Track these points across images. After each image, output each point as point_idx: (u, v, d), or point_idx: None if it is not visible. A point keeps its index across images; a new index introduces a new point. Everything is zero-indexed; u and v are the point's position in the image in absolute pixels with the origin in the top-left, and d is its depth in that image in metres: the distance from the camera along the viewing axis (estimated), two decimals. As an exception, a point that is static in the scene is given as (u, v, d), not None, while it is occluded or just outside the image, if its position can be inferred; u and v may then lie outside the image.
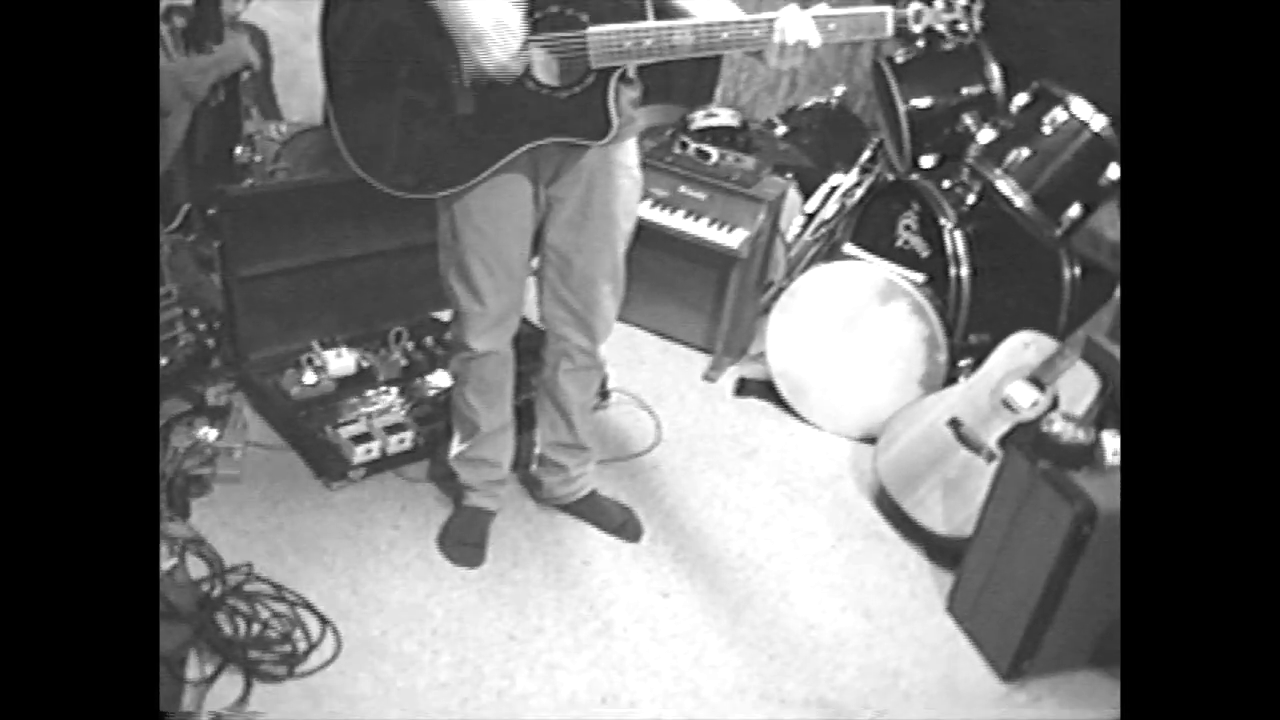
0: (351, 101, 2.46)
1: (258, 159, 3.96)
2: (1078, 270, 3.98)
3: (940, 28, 2.37)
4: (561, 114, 2.41)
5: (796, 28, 2.29)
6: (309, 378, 3.43)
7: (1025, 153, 3.71)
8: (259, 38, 4.25)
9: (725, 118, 4.43)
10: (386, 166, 2.51)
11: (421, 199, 2.58)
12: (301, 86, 4.22)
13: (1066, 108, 3.68)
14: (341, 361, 3.50)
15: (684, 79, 4.94)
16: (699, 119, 4.42)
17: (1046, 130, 3.70)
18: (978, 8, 2.38)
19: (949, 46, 4.05)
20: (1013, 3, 4.27)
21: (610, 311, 2.85)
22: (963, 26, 2.38)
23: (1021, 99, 3.84)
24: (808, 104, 5.01)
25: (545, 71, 2.37)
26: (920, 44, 2.40)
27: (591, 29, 2.31)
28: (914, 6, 2.36)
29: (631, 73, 2.48)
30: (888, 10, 2.34)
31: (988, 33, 2.44)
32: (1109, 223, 4.47)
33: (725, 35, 2.32)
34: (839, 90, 5.10)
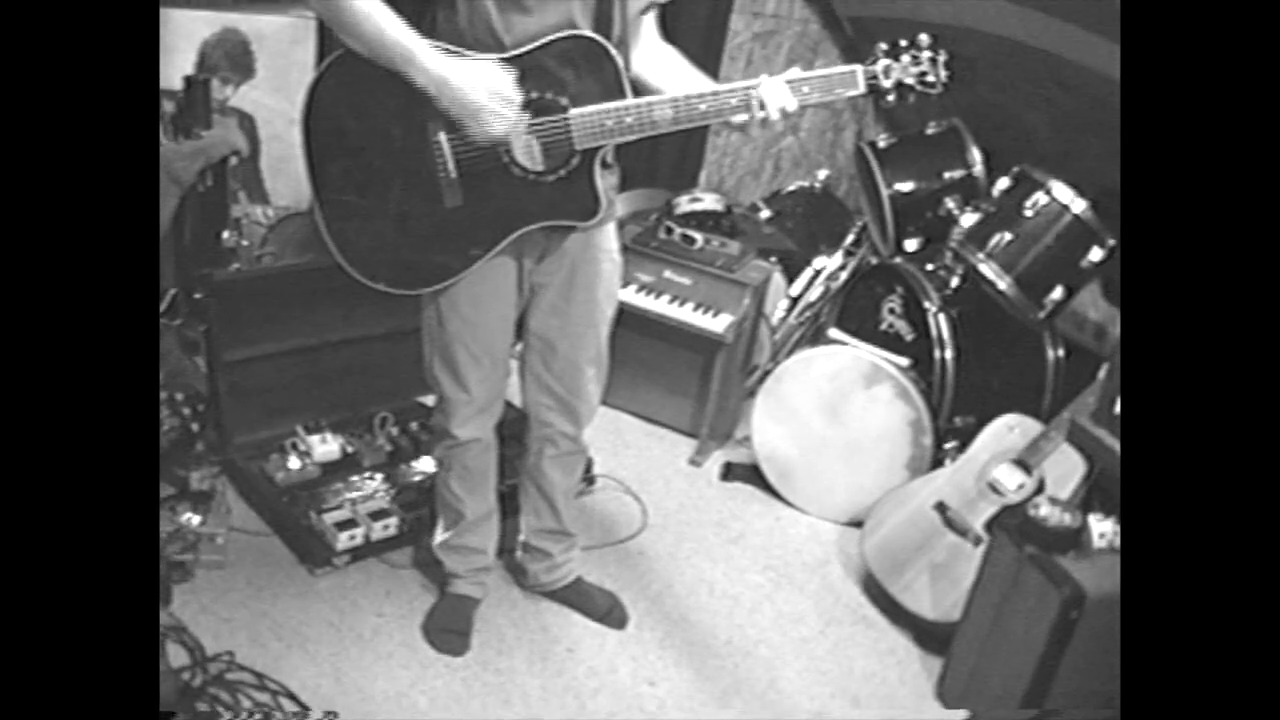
0: (337, 197, 2.47)
1: (244, 243, 3.98)
2: (1061, 351, 4.01)
3: (910, 81, 2.41)
4: (549, 198, 2.44)
5: (773, 95, 2.34)
6: (293, 463, 3.43)
7: (1007, 236, 3.75)
8: (247, 123, 4.29)
9: (710, 202, 4.47)
10: (375, 263, 2.52)
11: (410, 294, 2.60)
12: (289, 171, 4.26)
13: (1048, 192, 3.72)
14: (326, 447, 3.50)
15: (668, 164, 4.99)
16: (684, 204, 4.45)
17: (1028, 214, 3.74)
18: (943, 58, 2.43)
19: (931, 131, 4.20)
20: (993, 89, 4.35)
21: (594, 396, 2.86)
22: (930, 78, 2.42)
23: (1003, 183, 3.88)
24: (791, 188, 5.05)
25: (529, 157, 2.40)
26: (891, 99, 2.42)
27: (573, 111, 2.35)
28: (883, 63, 2.40)
29: (610, 158, 2.51)
30: (857, 68, 2.39)
31: (954, 89, 2.49)
32: (1091, 304, 4.52)
33: (703, 106, 2.37)
34: (823, 174, 5.15)
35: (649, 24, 2.60)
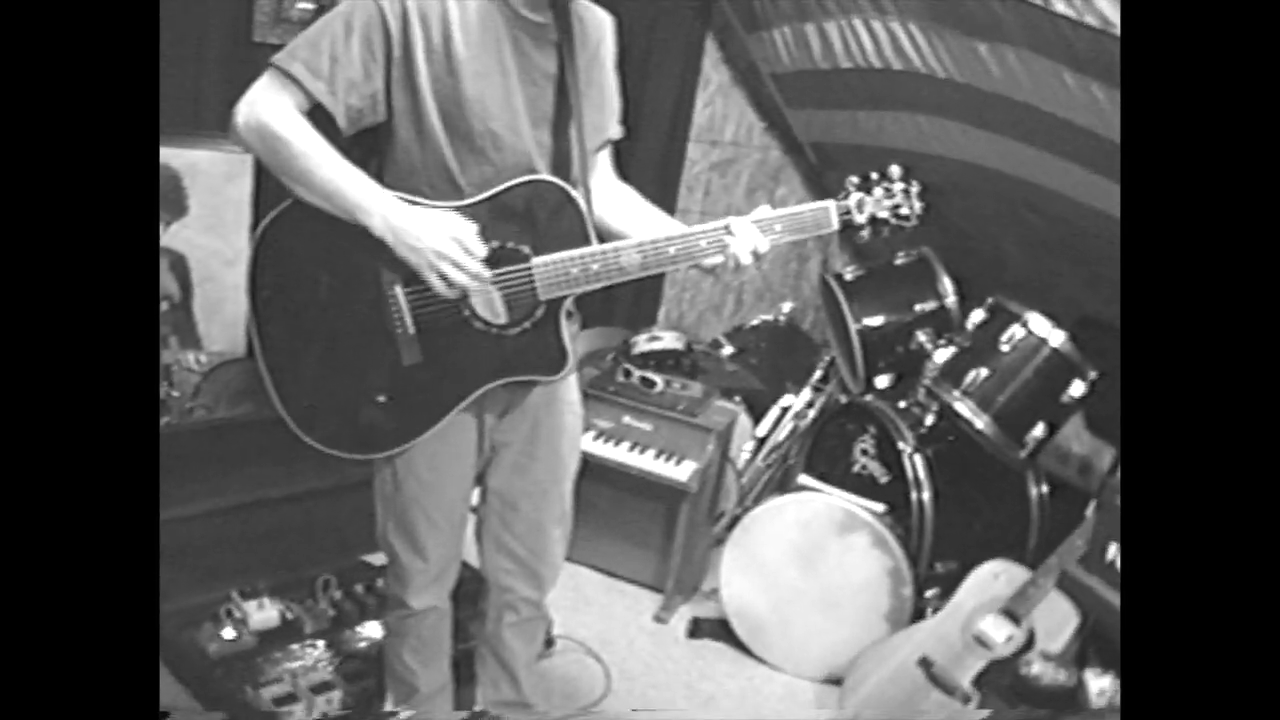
0: (285, 356, 2.46)
1: (175, 394, 3.94)
2: (1045, 489, 4.03)
3: (884, 214, 2.47)
4: (513, 352, 2.44)
5: (745, 236, 2.37)
6: (228, 632, 3.35)
7: (984, 372, 3.78)
8: (179, 264, 4.28)
9: (669, 340, 4.50)
10: (327, 426, 2.50)
11: (367, 459, 2.58)
12: (224, 315, 4.24)
13: (1024, 325, 3.77)
14: (264, 613, 3.43)
15: (625, 300, 5.03)
16: (641, 343, 4.48)
17: (1005, 348, 3.78)
18: (915, 189, 2.49)
19: (900, 261, 4.26)
20: (963, 216, 4.43)
21: (559, 557, 2.85)
22: (904, 210, 2.48)
23: (977, 315, 3.93)
24: (754, 322, 5.12)
25: (491, 309, 2.40)
26: (865, 234, 2.47)
27: (536, 260, 2.36)
28: (855, 197, 2.45)
29: (571, 306, 2.52)
30: (830, 204, 2.44)
31: (930, 225, 2.55)
32: (1075, 437, 4.56)
33: (673, 250, 2.38)
34: (787, 307, 5.22)
35: (604, 162, 2.65)
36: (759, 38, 4.78)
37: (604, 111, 2.58)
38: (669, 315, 5.39)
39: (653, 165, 4.89)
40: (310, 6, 3.92)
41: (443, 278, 2.31)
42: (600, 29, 2.56)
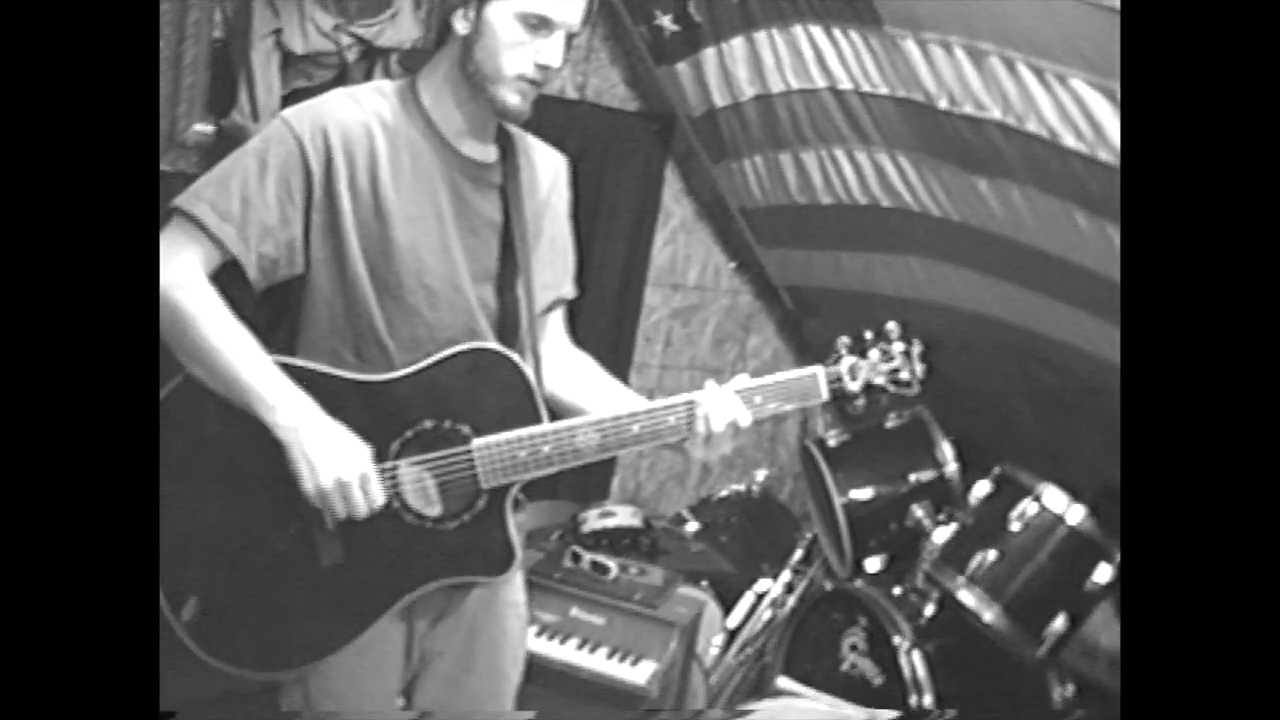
0: (176, 549, 2.31)
1: (38, 583, 3.82)
2: (1070, 690, 3.93)
3: (880, 380, 2.47)
4: (451, 549, 2.37)
5: (722, 409, 2.33)
6: None
7: (992, 555, 3.71)
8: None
9: (624, 517, 4.48)
10: (225, 636, 2.36)
11: (272, 678, 2.48)
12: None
13: (1037, 499, 3.71)
14: None
15: (573, 470, 4.95)
16: (592, 519, 4.46)
17: (1015, 526, 3.72)
18: (917, 349, 2.49)
19: (891, 424, 4.21)
20: (964, 372, 4.40)
21: (495, 790, 2.74)
22: (904, 375, 2.48)
23: (982, 487, 3.88)
24: (724, 493, 5.10)
25: (424, 500, 2.33)
26: (860, 403, 2.44)
27: (477, 441, 2.31)
28: (847, 362, 2.45)
29: (518, 492, 2.45)
30: (818, 370, 2.43)
31: (934, 399, 2.52)
32: (1103, 627, 4.46)
33: (636, 428, 2.35)
34: (761, 475, 5.19)
35: (555, 325, 2.64)
36: (727, 168, 4.80)
37: (555, 267, 2.58)
38: (624, 486, 5.34)
39: (605, 313, 4.88)
40: (208, 129, 3.89)
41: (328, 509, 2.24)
42: (552, 172, 2.57)
